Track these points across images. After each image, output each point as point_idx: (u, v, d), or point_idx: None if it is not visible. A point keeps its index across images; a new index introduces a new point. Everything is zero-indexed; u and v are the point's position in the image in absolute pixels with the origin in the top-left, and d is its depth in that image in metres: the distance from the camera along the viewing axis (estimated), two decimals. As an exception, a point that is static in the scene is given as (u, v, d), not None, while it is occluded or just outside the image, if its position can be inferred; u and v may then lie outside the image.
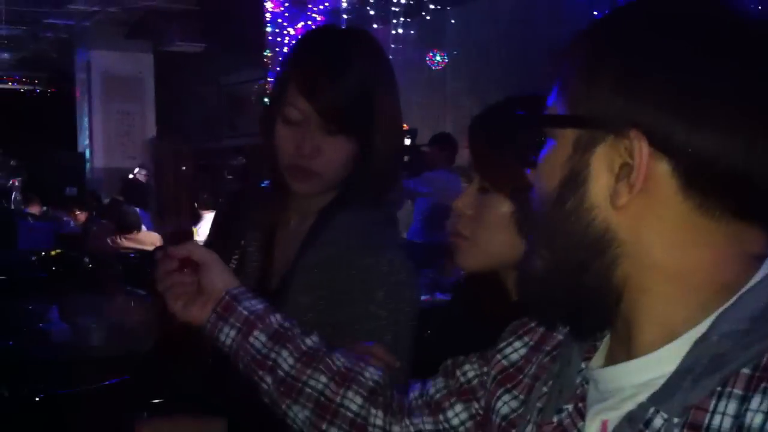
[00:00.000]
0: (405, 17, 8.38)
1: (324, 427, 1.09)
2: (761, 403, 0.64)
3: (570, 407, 0.82)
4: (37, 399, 3.19)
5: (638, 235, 0.72)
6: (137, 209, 7.25)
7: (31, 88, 17.97)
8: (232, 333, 1.14)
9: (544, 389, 0.88)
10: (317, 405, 1.09)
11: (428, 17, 8.18)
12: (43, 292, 4.58)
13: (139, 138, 14.57)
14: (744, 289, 0.71)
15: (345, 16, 9.05)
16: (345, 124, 1.45)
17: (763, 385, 0.65)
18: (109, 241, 6.55)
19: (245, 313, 1.14)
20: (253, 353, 1.12)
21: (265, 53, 10.47)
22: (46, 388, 3.22)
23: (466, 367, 1.04)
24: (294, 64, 1.51)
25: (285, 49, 10.03)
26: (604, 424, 0.76)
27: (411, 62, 8.83)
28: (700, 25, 0.72)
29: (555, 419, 0.82)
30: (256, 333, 1.12)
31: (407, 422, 1.07)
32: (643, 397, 0.71)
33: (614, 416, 0.75)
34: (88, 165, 14.94)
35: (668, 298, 0.73)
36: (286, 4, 10.17)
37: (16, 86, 17.85)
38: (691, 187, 0.69)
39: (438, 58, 9.28)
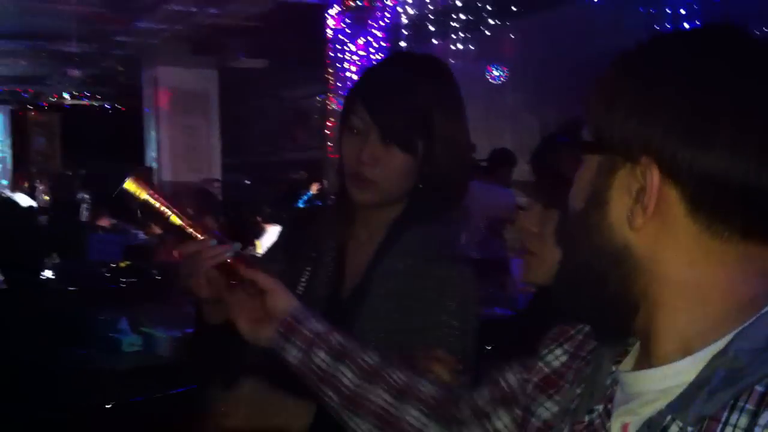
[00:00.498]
0: (464, 32, 8.42)
1: None
2: (758, 419, 0.69)
3: (600, 408, 0.87)
4: (107, 406, 3.32)
5: (654, 253, 0.78)
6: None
7: (100, 104, 18.53)
8: (295, 352, 1.20)
9: (578, 391, 0.93)
10: (379, 419, 1.15)
11: (488, 32, 8.21)
12: (113, 302, 4.75)
13: (205, 152, 14.87)
14: (765, 310, 0.75)
15: (404, 32, 9.13)
16: (401, 136, 1.53)
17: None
18: (175, 253, 6.72)
19: (308, 333, 1.20)
20: (316, 371, 1.18)
21: (326, 69, 10.62)
22: (117, 396, 3.36)
23: (509, 375, 1.10)
24: (361, 79, 1.63)
25: (345, 65, 10.17)
26: (625, 427, 0.82)
27: (471, 76, 8.87)
28: (705, 58, 0.77)
29: (586, 419, 0.88)
30: (318, 352, 1.19)
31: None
32: (662, 404, 0.77)
33: (635, 420, 0.80)
34: (155, 178, 15.32)
35: (683, 313, 0.78)
36: (347, 21, 10.29)
37: (86, 102, 18.44)
38: (697, 210, 0.75)
39: (497, 72, 9.31)
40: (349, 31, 10.23)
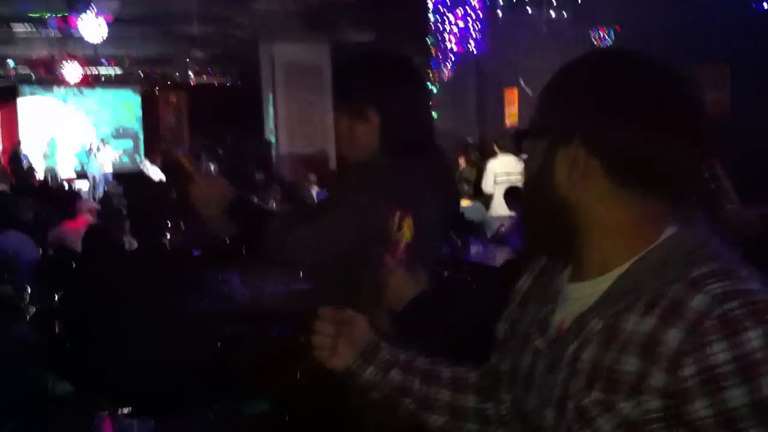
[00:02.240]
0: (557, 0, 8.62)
1: (461, 425, 1.44)
2: (646, 317, 1.06)
3: (548, 307, 1.27)
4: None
5: (583, 203, 1.18)
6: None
7: (222, 81, 19.51)
8: (373, 370, 1.43)
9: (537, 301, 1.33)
10: (450, 411, 1.44)
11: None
12: (228, 262, 5.38)
13: (320, 124, 15.46)
14: (655, 243, 1.15)
15: (501, 2, 9.40)
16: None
17: (654, 309, 1.06)
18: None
19: (387, 356, 1.45)
20: (393, 385, 1.44)
21: (427, 40, 11.01)
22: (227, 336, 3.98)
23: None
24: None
25: (445, 35, 10.53)
26: (562, 321, 1.22)
27: (566, 42, 9.06)
28: (614, 73, 1.17)
29: (540, 315, 1.27)
30: (393, 370, 1.44)
31: (503, 396, 1.40)
32: (586, 306, 1.16)
33: (569, 316, 1.20)
34: (273, 151, 16.11)
35: (601, 243, 1.19)
36: (448, -8, 10.65)
37: (210, 80, 19.46)
38: (611, 173, 1.14)
39: (601, 34, 9.42)
40: (449, 2, 10.56)
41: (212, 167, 16.86)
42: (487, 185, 8.27)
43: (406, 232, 1.53)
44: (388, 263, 1.55)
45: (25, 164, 17.35)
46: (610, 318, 1.09)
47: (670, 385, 1.02)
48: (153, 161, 18.24)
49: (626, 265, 1.14)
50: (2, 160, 17.79)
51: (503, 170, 8.06)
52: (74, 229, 6.38)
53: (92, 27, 11.45)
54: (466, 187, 8.75)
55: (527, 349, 1.26)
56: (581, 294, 1.18)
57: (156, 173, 16.52)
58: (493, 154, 8.52)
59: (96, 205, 8.57)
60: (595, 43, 9.02)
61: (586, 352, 1.12)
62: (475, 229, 7.00)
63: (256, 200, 9.76)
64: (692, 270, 1.06)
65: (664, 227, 1.15)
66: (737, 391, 0.98)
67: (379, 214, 1.59)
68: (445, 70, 10.75)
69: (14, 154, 17.57)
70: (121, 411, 3.56)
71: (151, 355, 3.92)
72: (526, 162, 1.29)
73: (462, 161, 9.67)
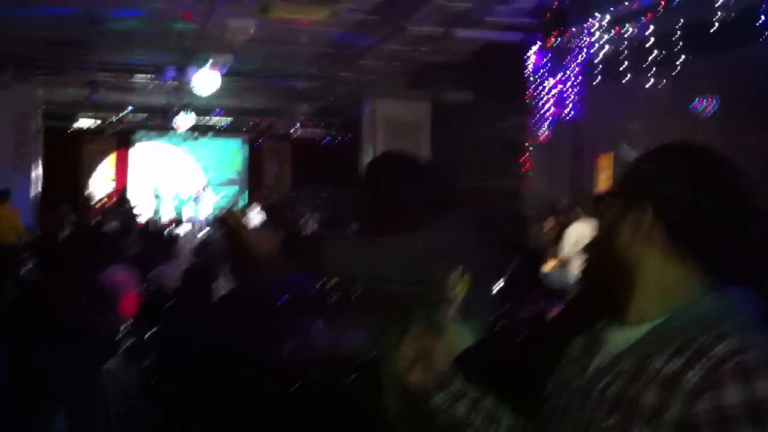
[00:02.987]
0: (656, 67, 8.64)
1: None
2: (673, 359, 1.19)
3: (589, 351, 1.41)
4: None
5: (639, 261, 1.35)
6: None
7: (325, 134, 20.13)
8: (444, 397, 1.57)
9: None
10: None
11: (679, 68, 8.38)
12: (317, 309, 5.60)
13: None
14: (693, 300, 1.29)
15: (598, 68, 9.48)
16: None
17: (683, 353, 1.19)
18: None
19: (459, 387, 1.59)
20: (457, 415, 1.58)
21: (526, 101, 11.15)
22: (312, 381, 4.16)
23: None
24: None
25: (542, 99, 10.66)
26: (600, 362, 1.36)
27: (662, 113, 9.06)
28: (698, 161, 1.35)
29: (582, 360, 1.42)
30: (461, 402, 1.57)
31: None
32: (622, 349, 1.31)
33: (606, 357, 1.34)
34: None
35: (646, 296, 1.34)
36: (549, 56, 10.78)
37: (314, 132, 20.11)
38: (671, 238, 1.32)
39: (704, 104, 9.35)
40: (548, 67, 10.71)
41: (311, 221, 17.38)
42: (566, 248, 8.22)
43: (463, 288, 1.67)
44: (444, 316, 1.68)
45: (131, 206, 18.27)
46: (641, 359, 1.24)
47: (684, 418, 1.14)
48: (255, 206, 18.91)
49: (660, 320, 1.29)
50: (112, 200, 18.78)
51: (585, 234, 8.01)
52: (170, 271, 6.73)
53: (205, 79, 12.08)
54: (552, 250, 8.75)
55: (567, 389, 1.41)
56: (620, 338, 1.34)
57: (257, 218, 17.08)
58: (577, 218, 8.50)
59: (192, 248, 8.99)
60: (699, 113, 8.97)
61: (613, 386, 1.27)
62: (556, 293, 7.00)
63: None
64: (722, 326, 1.20)
65: (705, 288, 1.30)
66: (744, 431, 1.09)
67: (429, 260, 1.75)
68: (540, 132, 10.85)
69: (122, 196, 18.56)
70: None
71: (235, 391, 4.13)
72: (599, 221, 1.45)
73: (550, 224, 9.69)
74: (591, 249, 1.47)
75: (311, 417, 3.96)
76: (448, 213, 2.35)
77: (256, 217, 15.50)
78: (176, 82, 14.00)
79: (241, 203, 21.20)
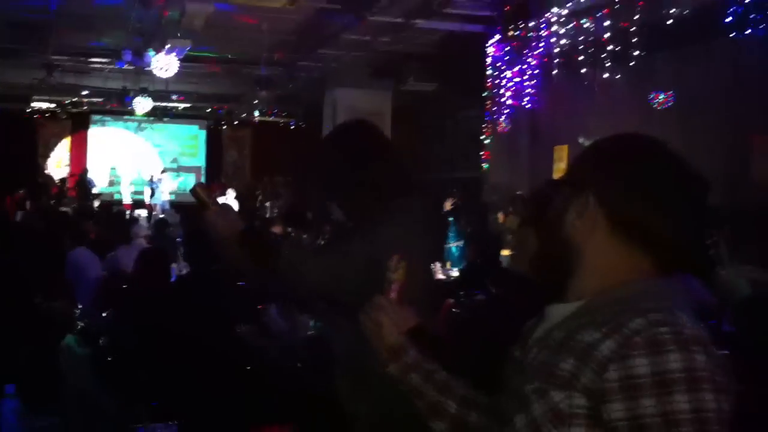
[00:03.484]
0: (613, 62, 8.78)
1: None
2: (594, 332, 1.25)
3: (531, 326, 1.49)
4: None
5: (582, 243, 1.41)
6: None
7: (286, 121, 20.06)
8: (396, 368, 1.64)
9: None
10: (451, 422, 1.62)
11: (633, 63, 8.53)
12: (269, 296, 5.59)
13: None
14: (623, 287, 1.36)
15: (556, 61, 9.60)
16: None
17: (603, 327, 1.25)
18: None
19: (409, 360, 1.64)
20: (411, 385, 1.63)
21: (483, 93, 11.25)
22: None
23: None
24: None
25: (501, 90, 10.76)
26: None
27: (618, 106, 9.21)
28: (640, 155, 1.40)
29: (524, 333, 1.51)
30: (414, 374, 1.64)
31: None
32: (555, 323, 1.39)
33: (540, 332, 1.42)
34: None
35: (585, 276, 1.41)
36: (507, 48, 10.89)
37: (273, 120, 20.04)
38: (610, 224, 1.38)
39: (662, 97, 9.52)
40: (507, 59, 10.81)
41: (267, 204, 17.31)
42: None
43: (401, 274, 1.72)
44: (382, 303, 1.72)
45: (90, 189, 18.04)
46: (569, 332, 1.31)
47: (595, 384, 1.21)
48: (211, 194, 18.74)
49: (593, 297, 1.37)
50: (69, 183, 18.51)
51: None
52: (128, 253, 6.68)
53: (164, 64, 11.97)
54: (509, 237, 8.88)
55: (509, 364, 1.49)
56: (557, 313, 1.41)
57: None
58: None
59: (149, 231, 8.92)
60: (655, 107, 9.13)
61: (539, 356, 1.35)
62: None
63: (305, 236, 10.05)
64: (646, 305, 1.25)
65: (642, 275, 1.36)
66: (648, 401, 1.16)
67: (380, 256, 1.78)
68: (499, 123, 10.95)
69: (81, 179, 18.29)
70: (156, 424, 3.74)
71: (187, 373, 4.14)
72: (549, 207, 1.50)
73: (502, 215, 9.84)
74: (540, 232, 1.53)
75: (266, 398, 3.98)
76: (407, 201, 2.34)
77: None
78: (133, 67, 13.84)
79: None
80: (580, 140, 9.71)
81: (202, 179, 21.34)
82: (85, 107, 19.53)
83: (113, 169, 20.23)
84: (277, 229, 10.05)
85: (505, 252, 7.67)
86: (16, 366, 4.20)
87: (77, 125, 20.28)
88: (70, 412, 4.03)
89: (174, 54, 11.84)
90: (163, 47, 11.76)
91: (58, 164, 20.27)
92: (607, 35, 8.74)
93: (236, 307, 5.07)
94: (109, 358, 4.16)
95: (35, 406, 3.57)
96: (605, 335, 1.23)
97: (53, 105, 19.12)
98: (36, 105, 19.11)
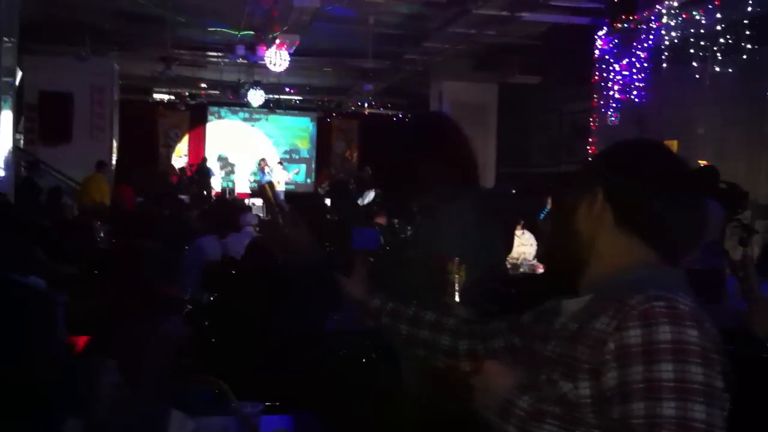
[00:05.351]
0: (723, 55, 8.52)
1: (435, 358, 1.84)
2: (607, 323, 1.33)
3: (549, 319, 1.58)
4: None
5: (591, 235, 1.53)
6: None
7: (393, 113, 20.26)
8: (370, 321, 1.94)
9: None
10: (425, 347, 1.84)
11: (745, 56, 8.25)
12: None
13: (480, 161, 15.69)
14: (622, 276, 1.45)
15: (665, 54, 9.37)
16: None
17: (615, 320, 1.32)
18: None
19: (374, 306, 1.94)
20: (385, 325, 1.91)
21: (592, 86, 11.08)
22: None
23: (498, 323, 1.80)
24: None
25: (609, 83, 10.58)
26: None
27: (729, 99, 8.93)
28: (642, 162, 1.53)
29: (542, 328, 1.59)
30: (383, 317, 1.91)
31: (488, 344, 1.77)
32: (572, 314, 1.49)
33: (559, 322, 1.51)
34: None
35: (594, 267, 1.52)
36: (616, 41, 10.69)
37: (380, 111, 20.27)
38: (617, 218, 1.50)
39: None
40: (615, 51, 10.62)
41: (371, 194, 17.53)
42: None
43: (462, 276, 1.83)
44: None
45: (209, 178, 18.76)
46: (583, 322, 1.38)
47: (596, 360, 1.29)
48: (320, 184, 19.18)
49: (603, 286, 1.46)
50: (188, 172, 19.29)
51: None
52: (238, 240, 6.93)
53: (275, 58, 12.34)
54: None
55: (523, 351, 1.62)
56: (571, 308, 1.49)
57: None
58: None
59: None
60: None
61: (555, 347, 1.44)
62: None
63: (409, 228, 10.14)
64: (648, 289, 1.32)
65: (647, 263, 1.47)
66: (636, 368, 1.22)
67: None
68: (607, 117, 10.78)
69: (200, 168, 19.04)
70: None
71: (284, 360, 4.31)
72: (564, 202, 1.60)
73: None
74: (554, 225, 1.66)
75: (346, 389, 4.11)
76: (472, 193, 2.36)
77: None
78: (247, 60, 14.31)
79: (309, 180, 21.62)
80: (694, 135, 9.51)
81: (312, 170, 21.85)
82: (203, 99, 20.30)
83: (224, 156, 20.85)
84: (380, 220, 10.19)
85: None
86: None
87: (195, 116, 21.10)
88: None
89: (284, 48, 12.19)
90: (274, 42, 12.13)
91: (177, 153, 21.15)
92: (718, 27, 8.48)
93: (329, 296, 5.23)
94: (212, 340, 4.38)
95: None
96: (611, 318, 1.31)
97: (172, 97, 19.96)
98: (156, 96, 20.03)
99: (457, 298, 1.81)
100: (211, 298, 5.34)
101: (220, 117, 21.48)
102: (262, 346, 4.25)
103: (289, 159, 21.54)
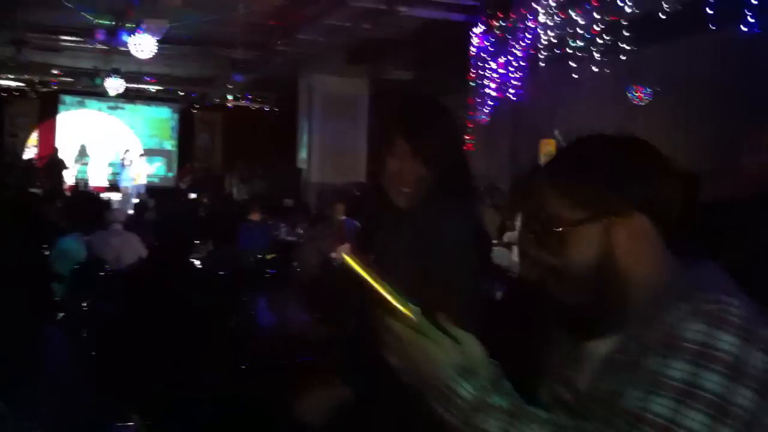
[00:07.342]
0: (600, 56, 8.69)
1: None
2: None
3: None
4: (242, 367, 3.97)
5: (638, 261, 1.27)
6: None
7: (260, 106, 19.80)
8: None
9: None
10: None
11: (623, 56, 8.44)
12: (255, 286, 5.43)
13: (352, 156, 15.57)
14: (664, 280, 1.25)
15: (542, 54, 9.49)
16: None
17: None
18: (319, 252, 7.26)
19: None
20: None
21: (466, 83, 11.12)
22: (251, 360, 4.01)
23: None
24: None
25: (485, 81, 10.64)
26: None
27: (605, 99, 9.13)
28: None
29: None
30: None
31: None
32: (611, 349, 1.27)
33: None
34: (303, 179, 16.25)
35: (638, 292, 1.26)
36: (492, 40, 10.76)
37: (246, 104, 19.76)
38: (656, 233, 1.26)
39: (640, 93, 9.44)
40: (491, 50, 10.68)
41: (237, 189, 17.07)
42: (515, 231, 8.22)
43: None
44: None
45: (62, 170, 17.60)
46: (633, 356, 1.18)
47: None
48: (183, 179, 18.46)
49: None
50: (38, 164, 18.08)
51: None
52: (104, 238, 6.42)
53: (141, 44, 11.66)
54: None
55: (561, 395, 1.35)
56: (599, 351, 1.28)
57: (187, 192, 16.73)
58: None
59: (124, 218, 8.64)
60: (634, 102, 9.04)
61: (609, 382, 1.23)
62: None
63: (283, 226, 9.83)
64: (704, 294, 1.15)
65: (678, 267, 1.27)
66: (682, 365, 1.09)
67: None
68: (481, 114, 10.84)
69: (51, 160, 17.84)
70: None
71: (167, 366, 3.95)
72: (572, 242, 1.29)
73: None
74: (589, 272, 1.29)
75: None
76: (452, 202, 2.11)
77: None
78: (107, 46, 13.50)
79: (170, 174, 20.77)
80: (555, 133, 9.64)
81: (173, 163, 21.02)
82: (55, 86, 19.07)
83: (83, 146, 19.55)
84: (255, 216, 9.83)
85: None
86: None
87: (46, 105, 19.79)
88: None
89: (151, 34, 11.54)
90: (138, 27, 11.45)
91: (25, 144, 19.79)
92: (596, 27, 8.64)
93: (218, 297, 4.89)
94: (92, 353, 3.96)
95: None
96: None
97: (22, 84, 18.65)
98: (2, 83, 18.64)
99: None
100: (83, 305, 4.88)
101: (77, 106, 20.24)
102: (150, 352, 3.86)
103: (151, 151, 20.59)
